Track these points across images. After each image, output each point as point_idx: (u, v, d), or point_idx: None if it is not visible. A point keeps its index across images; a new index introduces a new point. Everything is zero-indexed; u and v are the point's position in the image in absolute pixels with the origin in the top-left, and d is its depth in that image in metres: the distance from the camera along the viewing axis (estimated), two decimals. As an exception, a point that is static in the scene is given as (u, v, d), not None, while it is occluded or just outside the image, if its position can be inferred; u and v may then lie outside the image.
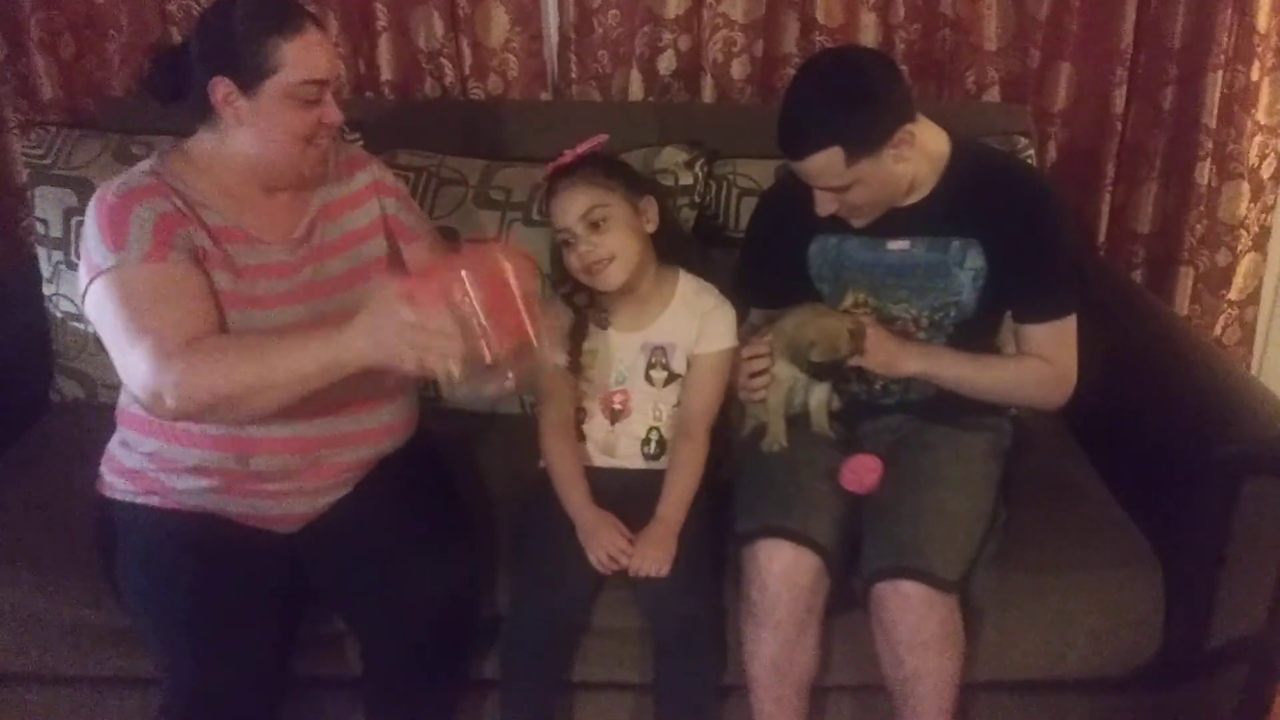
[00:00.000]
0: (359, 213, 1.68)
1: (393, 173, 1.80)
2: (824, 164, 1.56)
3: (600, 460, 1.77)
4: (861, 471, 1.65)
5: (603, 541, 1.62)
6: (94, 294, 1.45)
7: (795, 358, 1.68)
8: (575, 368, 1.74)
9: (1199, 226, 2.40)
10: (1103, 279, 2.20)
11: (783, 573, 1.56)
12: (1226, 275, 2.46)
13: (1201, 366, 1.84)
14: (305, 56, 1.47)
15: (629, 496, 1.69)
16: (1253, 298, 2.50)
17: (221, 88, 1.47)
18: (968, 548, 1.59)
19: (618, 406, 1.76)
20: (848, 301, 1.75)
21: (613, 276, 1.69)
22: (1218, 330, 2.51)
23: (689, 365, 1.75)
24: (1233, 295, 2.48)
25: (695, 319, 1.75)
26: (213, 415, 1.45)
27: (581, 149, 1.71)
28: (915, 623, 1.52)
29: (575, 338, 1.74)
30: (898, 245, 1.71)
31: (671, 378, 1.75)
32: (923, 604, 1.52)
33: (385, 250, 1.69)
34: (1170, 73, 2.32)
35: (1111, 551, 1.73)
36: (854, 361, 1.68)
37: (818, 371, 1.69)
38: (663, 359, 1.75)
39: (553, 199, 1.70)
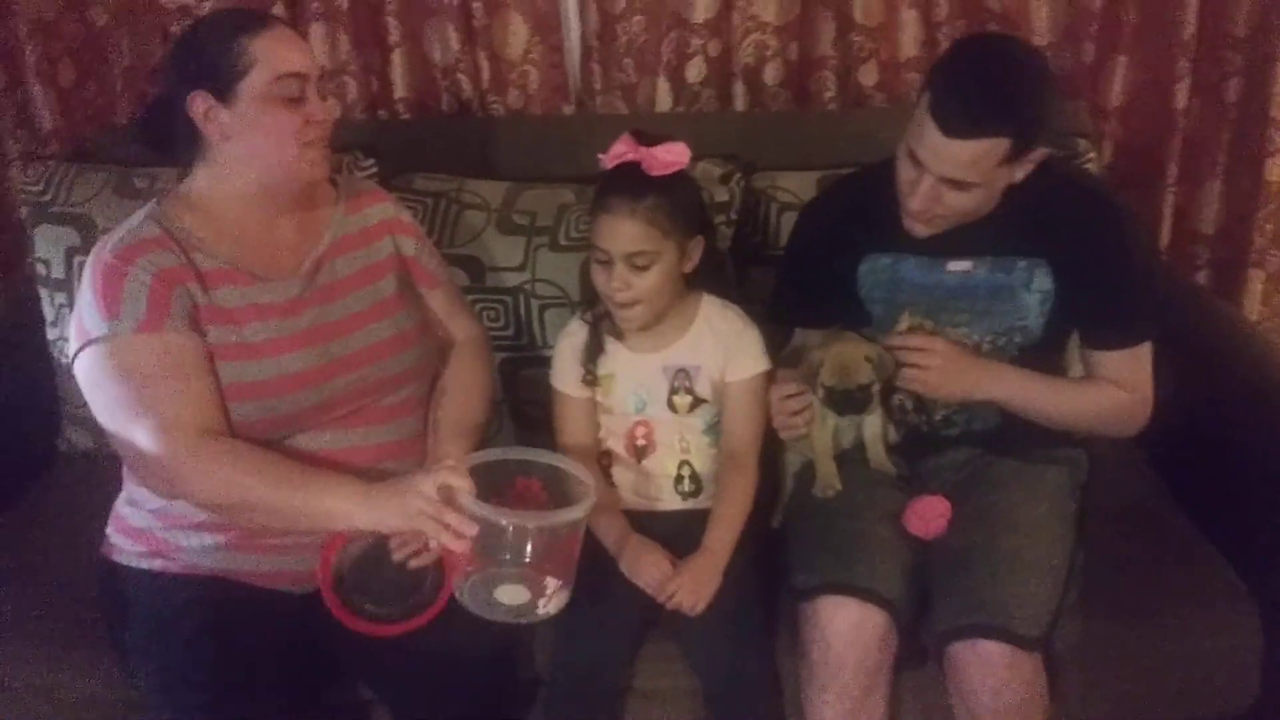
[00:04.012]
0: (371, 249, 1.60)
1: (409, 212, 1.72)
2: (980, 152, 1.42)
3: (634, 503, 1.67)
4: (928, 515, 1.53)
5: (648, 570, 1.53)
6: (85, 361, 1.40)
7: (808, 381, 1.58)
8: (591, 381, 1.64)
9: (1268, 226, 2.28)
10: (1167, 285, 2.06)
11: (847, 632, 1.44)
12: (1298, 277, 2.33)
13: (1282, 378, 1.71)
14: (275, 50, 1.42)
15: (670, 541, 1.59)
16: (1326, 299, 2.37)
17: (199, 102, 1.42)
18: (1050, 599, 1.46)
19: (641, 441, 1.65)
20: (903, 325, 1.62)
21: (635, 319, 1.59)
22: (1289, 336, 2.37)
23: (723, 396, 1.64)
24: (1306, 298, 2.35)
25: (720, 342, 1.64)
26: (208, 510, 1.44)
27: (664, 159, 1.52)
28: (997, 686, 1.41)
29: (590, 358, 1.64)
30: (959, 266, 1.59)
31: (697, 402, 1.64)
32: (1005, 665, 1.40)
33: (395, 290, 1.60)
34: (1235, 63, 2.21)
35: (1201, 591, 1.62)
36: (914, 388, 1.56)
37: (833, 399, 1.57)
38: (686, 383, 1.63)
39: (605, 214, 1.53)
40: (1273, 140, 2.19)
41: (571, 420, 1.67)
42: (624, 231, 1.52)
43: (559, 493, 1.44)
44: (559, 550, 1.36)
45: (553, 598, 1.36)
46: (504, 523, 1.32)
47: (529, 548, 1.33)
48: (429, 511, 1.32)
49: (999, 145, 1.41)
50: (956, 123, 1.40)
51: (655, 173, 1.52)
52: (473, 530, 1.31)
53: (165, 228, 1.44)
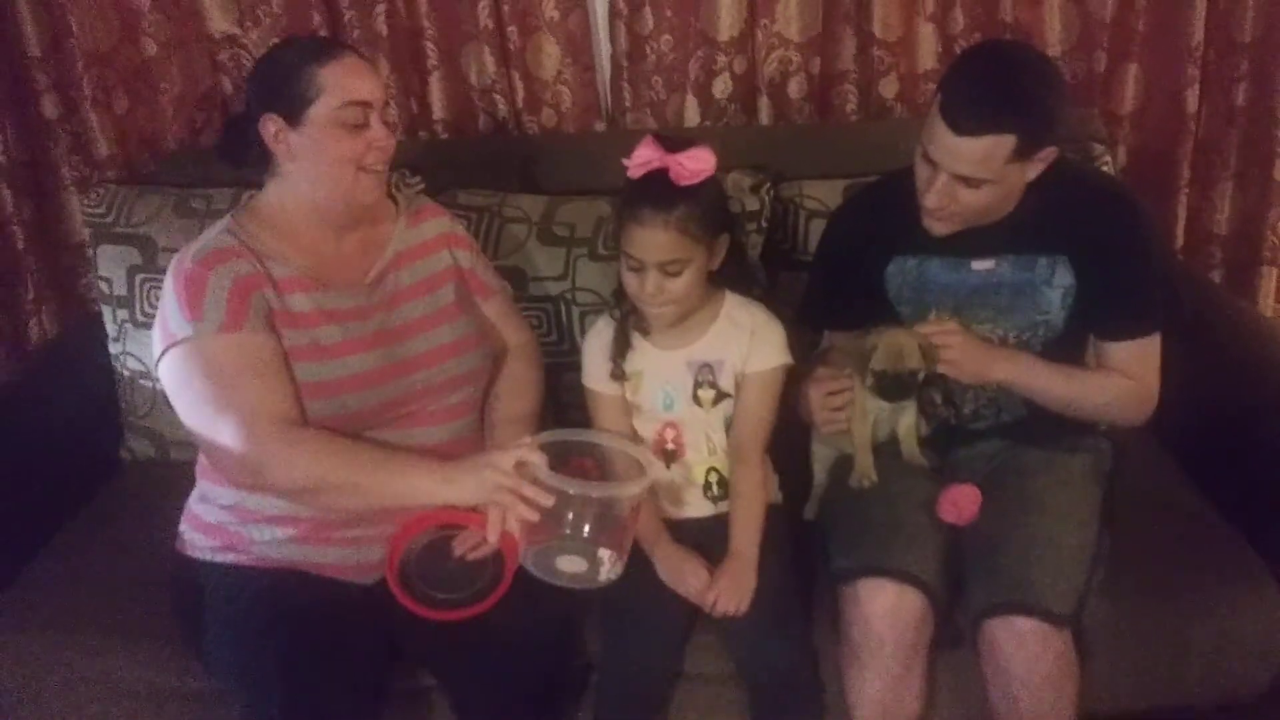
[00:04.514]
0: (431, 260, 1.69)
1: (463, 224, 1.80)
2: (988, 149, 1.48)
3: (665, 510, 1.70)
4: (961, 502, 1.59)
5: (689, 580, 1.58)
6: (170, 362, 1.48)
7: (859, 366, 1.63)
8: (619, 376, 1.68)
9: (1280, 225, 2.34)
10: (1187, 285, 2.12)
11: (886, 612, 1.50)
12: (1310, 274, 2.39)
13: (1303, 372, 1.77)
14: (343, 80, 1.50)
15: (702, 546, 1.64)
16: (1338, 295, 2.42)
17: (271, 124, 1.51)
18: (1078, 578, 1.52)
19: (670, 446, 1.68)
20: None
21: (666, 318, 1.63)
22: (1303, 331, 2.43)
23: (740, 386, 1.68)
24: (1317, 294, 2.41)
25: (744, 336, 1.66)
26: (291, 496, 1.51)
27: (692, 167, 1.52)
28: (1029, 660, 1.46)
29: (619, 352, 1.68)
30: (982, 265, 1.66)
31: (720, 396, 1.67)
32: (1037, 640, 1.46)
33: (453, 299, 1.68)
34: (1242, 68, 2.27)
35: (1223, 571, 1.67)
36: (941, 370, 1.61)
37: (882, 385, 1.61)
38: (710, 376, 1.67)
39: (637, 225, 1.54)
40: (1280, 141, 2.26)
41: (606, 417, 1.70)
42: (657, 242, 1.54)
43: (610, 474, 1.54)
44: (616, 524, 1.44)
45: (610, 568, 1.44)
46: (572, 491, 1.40)
47: (589, 519, 1.42)
48: (507, 485, 1.39)
49: (1006, 142, 1.47)
50: (964, 121, 1.47)
51: (684, 182, 1.52)
52: (549, 501, 1.38)
53: (240, 239, 1.53)
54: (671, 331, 1.67)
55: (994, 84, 1.49)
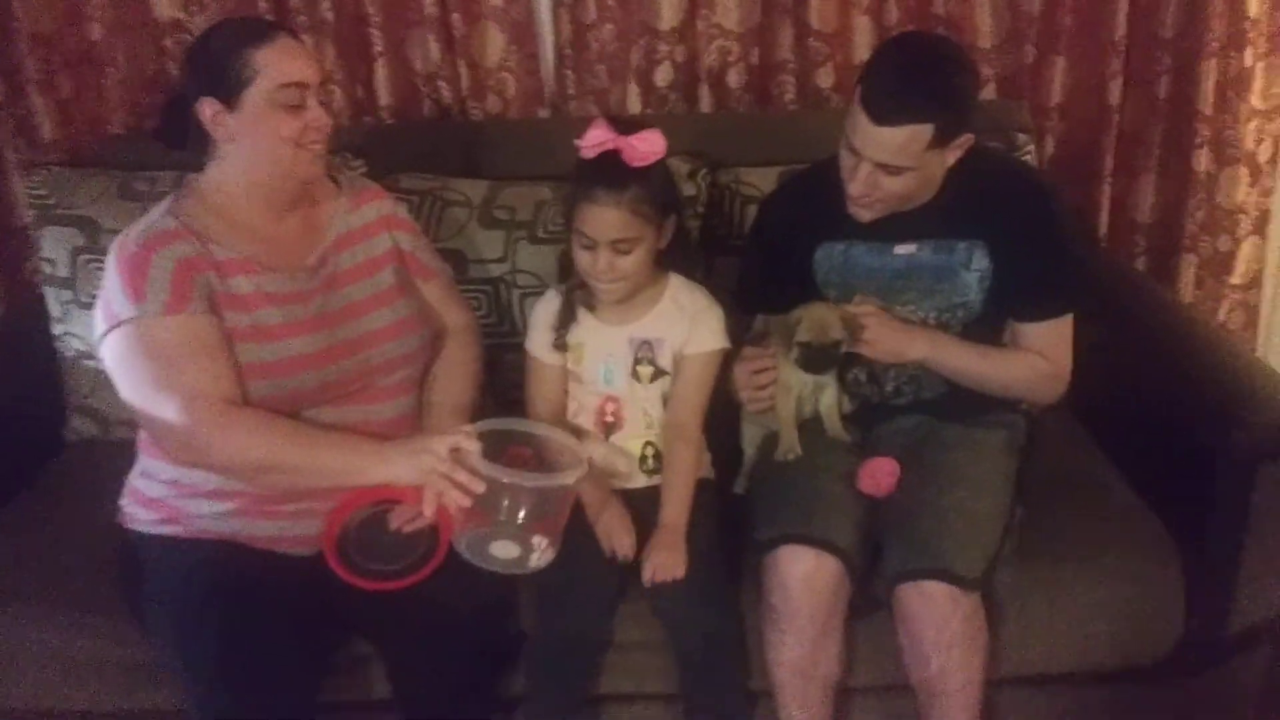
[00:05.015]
0: (371, 243, 1.71)
1: (405, 207, 1.83)
2: (907, 138, 1.54)
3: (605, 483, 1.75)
4: (878, 474, 1.66)
5: (620, 538, 1.65)
6: (113, 342, 1.50)
7: (784, 340, 1.68)
8: (561, 346, 1.73)
9: (1199, 213, 2.42)
10: (1106, 270, 2.21)
11: (804, 578, 1.56)
12: (1228, 261, 2.47)
13: (1210, 353, 1.85)
14: (279, 61, 1.52)
15: (638, 518, 1.69)
16: (1255, 281, 2.51)
17: (208, 107, 1.53)
18: (988, 545, 1.59)
19: (610, 419, 1.74)
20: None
21: (615, 294, 1.68)
22: (1222, 315, 2.52)
23: (678, 367, 1.73)
24: (1235, 280, 2.50)
25: (685, 318, 1.72)
26: (230, 475, 1.54)
27: (643, 150, 1.58)
28: (939, 622, 1.53)
29: (562, 324, 1.73)
30: (904, 249, 1.72)
31: (658, 374, 1.72)
32: (946, 603, 1.53)
33: (394, 281, 1.71)
34: (1165, 62, 2.34)
35: (1130, 542, 1.74)
36: (860, 349, 1.67)
37: (807, 357, 1.67)
38: (649, 354, 1.72)
39: (589, 204, 1.59)
40: (1200, 133, 2.33)
41: (543, 384, 1.75)
42: (609, 220, 1.59)
43: (547, 462, 1.57)
44: (550, 512, 1.48)
45: (541, 554, 1.48)
46: (506, 480, 1.44)
47: (524, 507, 1.46)
48: (441, 470, 1.44)
49: (924, 131, 1.54)
50: (882, 111, 1.53)
51: (636, 163, 1.58)
52: (480, 488, 1.43)
53: (182, 221, 1.55)
54: (616, 308, 1.72)
55: (911, 75, 1.55)
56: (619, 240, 1.61)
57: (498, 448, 1.53)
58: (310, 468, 1.52)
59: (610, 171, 1.59)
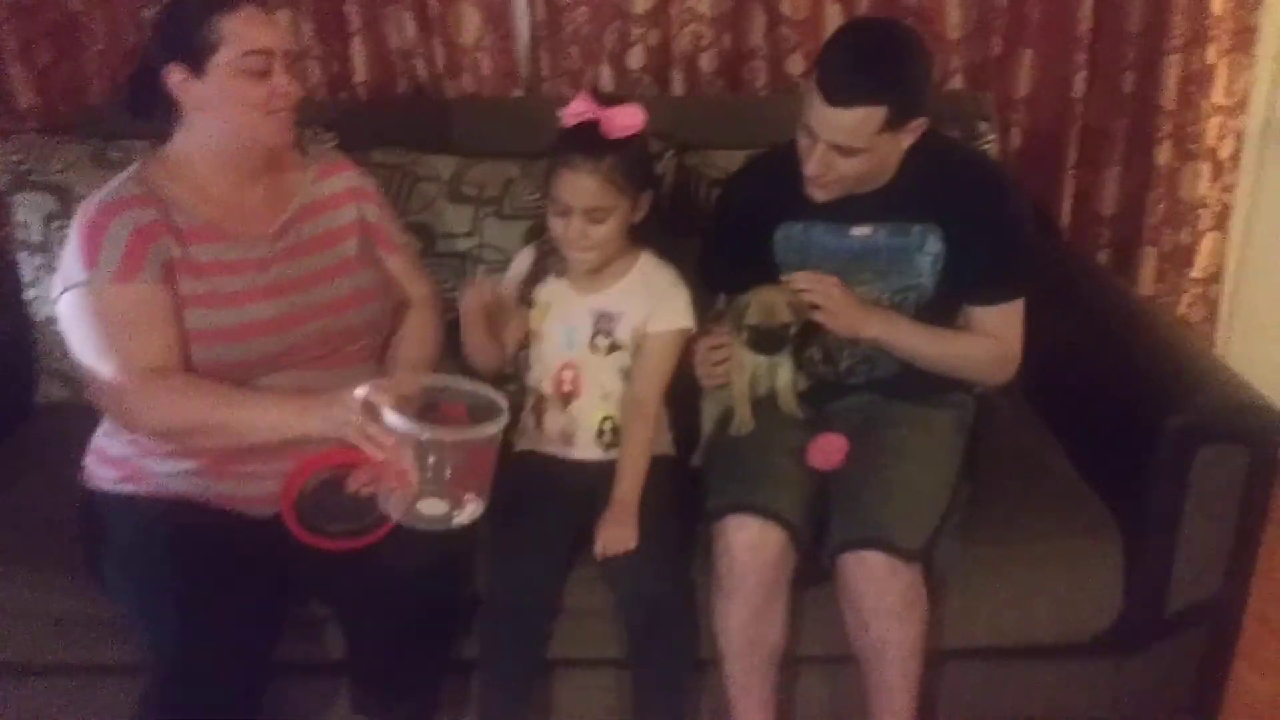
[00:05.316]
0: (336, 214, 1.74)
1: (373, 180, 1.85)
2: (860, 119, 1.57)
3: (559, 450, 1.80)
4: (828, 449, 1.70)
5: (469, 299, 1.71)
6: (65, 304, 1.56)
7: (735, 322, 1.72)
8: (527, 301, 1.78)
9: (1160, 207, 2.45)
10: (1064, 261, 2.25)
11: (749, 546, 1.60)
12: (1189, 254, 2.51)
13: (1157, 342, 1.90)
14: (244, 29, 1.55)
15: (590, 490, 1.73)
16: (1215, 276, 2.55)
17: (175, 73, 1.55)
18: (930, 518, 1.63)
19: (567, 387, 1.78)
20: None
21: (588, 262, 1.72)
22: (1182, 308, 2.56)
23: (640, 344, 1.76)
24: (1196, 274, 2.53)
25: (649, 295, 1.76)
26: (163, 438, 1.59)
27: (622, 122, 1.63)
28: (879, 591, 1.57)
29: (532, 280, 1.78)
30: (861, 231, 1.76)
31: (614, 347, 1.76)
32: (886, 573, 1.57)
33: (356, 251, 1.74)
34: (1129, 57, 2.37)
35: (1073, 521, 1.79)
36: (819, 318, 1.70)
37: (756, 339, 1.71)
38: (608, 326, 1.76)
39: (567, 170, 1.64)
40: (1162, 128, 2.37)
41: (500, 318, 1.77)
42: (584, 187, 1.64)
43: (484, 418, 1.55)
44: (475, 465, 1.50)
45: (467, 509, 1.50)
46: (422, 436, 1.44)
47: (448, 463, 1.47)
48: (353, 423, 1.46)
49: (876, 113, 1.57)
50: (837, 93, 1.57)
51: (613, 135, 1.63)
52: (389, 440, 1.44)
53: (147, 187, 1.58)
54: (585, 276, 1.76)
55: (865, 58, 1.59)
56: (593, 208, 1.65)
57: (431, 406, 1.55)
58: (234, 425, 1.54)
59: (588, 140, 1.64)
